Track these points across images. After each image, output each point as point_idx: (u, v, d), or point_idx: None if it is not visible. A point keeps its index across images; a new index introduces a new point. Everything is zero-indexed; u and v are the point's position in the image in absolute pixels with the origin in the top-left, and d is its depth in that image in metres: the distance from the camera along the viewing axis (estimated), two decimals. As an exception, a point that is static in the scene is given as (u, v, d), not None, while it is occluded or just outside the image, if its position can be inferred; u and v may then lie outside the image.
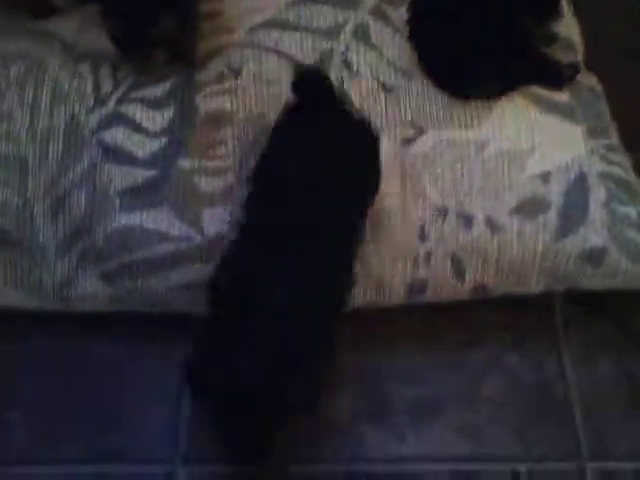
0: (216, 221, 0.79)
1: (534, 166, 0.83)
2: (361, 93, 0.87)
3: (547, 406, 0.78)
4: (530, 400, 0.78)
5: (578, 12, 0.97)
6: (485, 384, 0.79)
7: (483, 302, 0.82)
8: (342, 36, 0.91)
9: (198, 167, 0.81)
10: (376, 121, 0.84)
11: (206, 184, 0.80)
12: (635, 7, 1.14)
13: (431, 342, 0.82)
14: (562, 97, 0.88)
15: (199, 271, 0.79)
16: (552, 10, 0.89)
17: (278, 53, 0.89)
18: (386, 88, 0.88)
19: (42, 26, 0.92)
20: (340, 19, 0.92)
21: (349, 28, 0.92)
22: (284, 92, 0.86)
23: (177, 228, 0.79)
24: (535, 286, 0.82)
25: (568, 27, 0.94)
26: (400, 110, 0.86)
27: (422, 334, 0.82)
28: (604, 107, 0.91)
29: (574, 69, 0.90)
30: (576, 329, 0.82)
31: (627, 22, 1.11)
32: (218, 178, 0.81)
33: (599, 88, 0.93)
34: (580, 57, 0.94)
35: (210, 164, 0.81)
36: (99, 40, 0.88)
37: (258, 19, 0.93)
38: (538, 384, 0.79)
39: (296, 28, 0.92)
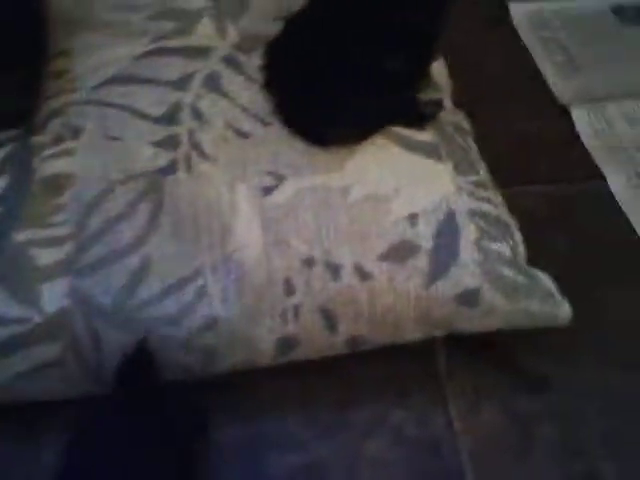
0: (56, 296, 0.71)
1: (400, 209, 0.79)
2: (214, 142, 0.82)
3: (435, 461, 0.72)
4: (418, 457, 0.72)
5: (451, 51, 0.95)
6: (368, 444, 0.73)
7: (361, 355, 0.77)
8: (191, 86, 0.86)
9: (33, 238, 0.73)
10: (233, 170, 0.79)
11: (43, 256, 0.72)
12: (510, 45, 1.15)
13: (309, 403, 0.76)
14: (425, 136, 0.85)
15: (45, 352, 0.70)
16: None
17: (122, 108, 0.84)
18: (241, 135, 0.83)
19: None
20: (189, 69, 0.88)
21: (199, 78, 0.87)
22: (129, 148, 0.81)
23: (13, 309, 0.70)
24: (412, 334, 0.77)
25: (435, 67, 0.92)
26: (257, 158, 0.81)
27: (298, 395, 0.76)
28: (471, 143, 0.89)
29: (437, 107, 0.88)
30: (460, 374, 0.78)
31: (502, 60, 1.11)
32: (56, 248, 0.73)
33: (466, 124, 0.91)
34: (445, 95, 0.92)
35: (47, 233, 0.74)
36: None
37: (104, 75, 0.88)
38: (425, 439, 0.73)
39: (143, 81, 0.87)
